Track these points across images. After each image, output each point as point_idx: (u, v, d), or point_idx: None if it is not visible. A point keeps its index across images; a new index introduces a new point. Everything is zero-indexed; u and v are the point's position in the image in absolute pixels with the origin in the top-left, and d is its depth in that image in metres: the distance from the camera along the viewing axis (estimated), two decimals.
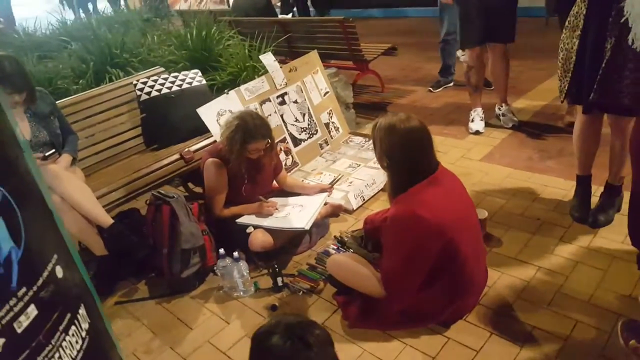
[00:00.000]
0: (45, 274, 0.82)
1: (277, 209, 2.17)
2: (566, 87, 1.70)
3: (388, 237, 1.47)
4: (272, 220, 2.10)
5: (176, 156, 2.40)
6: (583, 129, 1.86)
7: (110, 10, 6.18)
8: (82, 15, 6.84)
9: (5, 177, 0.77)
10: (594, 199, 2.10)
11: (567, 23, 1.64)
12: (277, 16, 4.15)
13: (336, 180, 2.43)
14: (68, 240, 0.95)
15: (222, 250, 1.95)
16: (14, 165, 0.83)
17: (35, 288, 0.79)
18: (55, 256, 0.87)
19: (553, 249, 1.92)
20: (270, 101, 2.89)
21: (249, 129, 2.01)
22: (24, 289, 0.78)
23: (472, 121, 3.11)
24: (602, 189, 2.04)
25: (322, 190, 2.33)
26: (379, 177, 2.66)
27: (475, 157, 2.83)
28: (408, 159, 1.42)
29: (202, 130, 2.58)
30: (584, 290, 1.69)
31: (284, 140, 2.95)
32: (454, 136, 3.10)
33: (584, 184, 2.04)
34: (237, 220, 2.12)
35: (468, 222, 1.48)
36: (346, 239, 2.17)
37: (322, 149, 3.18)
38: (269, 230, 2.06)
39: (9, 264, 0.75)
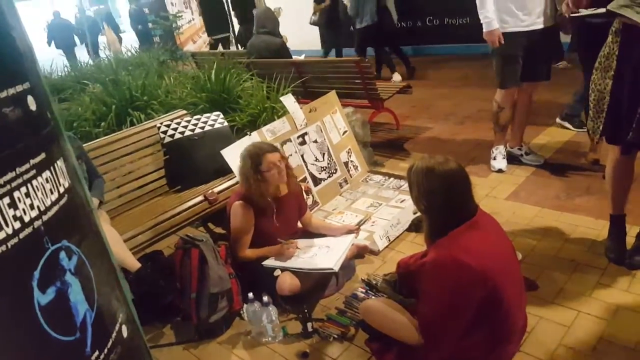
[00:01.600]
0: (114, 334, 0.82)
1: (299, 248, 2.18)
2: (600, 127, 1.72)
3: (427, 284, 1.46)
4: (299, 262, 2.11)
5: (200, 198, 2.44)
6: (618, 168, 1.86)
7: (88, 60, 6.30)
8: (100, 55, 7.09)
9: (80, 237, 0.78)
10: (629, 239, 2.08)
11: (597, 64, 1.68)
12: (291, 57, 4.30)
13: (364, 221, 2.45)
14: (128, 296, 0.97)
15: (251, 295, 1.96)
16: (87, 225, 0.84)
17: (106, 351, 0.78)
18: (121, 315, 0.87)
19: (591, 292, 1.89)
20: (291, 141, 2.96)
21: (254, 150, 2.07)
22: (96, 353, 0.76)
23: (495, 159, 3.12)
24: (637, 228, 2.04)
25: (349, 232, 2.34)
26: (403, 216, 2.68)
27: (500, 196, 2.84)
28: (448, 202, 1.43)
29: (225, 171, 2.63)
30: (628, 337, 1.65)
31: (304, 179, 2.99)
32: (476, 174, 3.13)
33: (618, 223, 2.03)
34: (263, 263, 2.13)
35: (510, 266, 1.47)
36: (374, 282, 2.17)
37: (341, 188, 3.22)
38: (296, 273, 2.07)
39: (84, 328, 0.75)
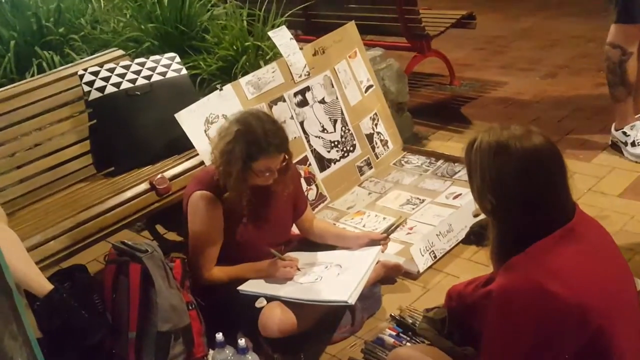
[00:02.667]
0: None
1: (299, 269, 2.21)
2: None
3: (493, 324, 1.45)
4: (294, 289, 2.14)
5: (144, 186, 2.46)
6: None
7: None
8: None
9: None
10: None
11: None
12: None
13: (396, 226, 2.46)
14: (32, 334, 0.98)
15: (220, 336, 1.97)
16: None
17: None
18: None
19: None
20: (284, 101, 2.96)
21: (256, 136, 2.06)
22: None
23: (635, 144, 2.99)
24: None
25: (372, 243, 2.35)
26: (458, 220, 2.67)
27: (611, 191, 2.83)
28: (529, 198, 1.42)
29: (182, 145, 2.64)
30: None
31: (304, 161, 3.00)
32: (575, 156, 3.11)
33: None
34: (240, 288, 2.18)
35: (623, 299, 1.44)
36: (411, 320, 2.18)
37: (362, 175, 3.24)
38: (290, 305, 2.09)
39: None
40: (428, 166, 3.27)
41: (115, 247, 2.08)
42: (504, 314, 1.43)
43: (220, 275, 2.20)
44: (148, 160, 2.67)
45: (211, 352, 2.06)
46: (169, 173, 2.53)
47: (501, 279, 1.46)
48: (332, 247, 2.40)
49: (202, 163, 2.57)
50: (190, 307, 2.07)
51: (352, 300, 2.04)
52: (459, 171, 3.16)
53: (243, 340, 1.95)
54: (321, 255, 2.34)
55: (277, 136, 2.09)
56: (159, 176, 2.48)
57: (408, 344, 2.10)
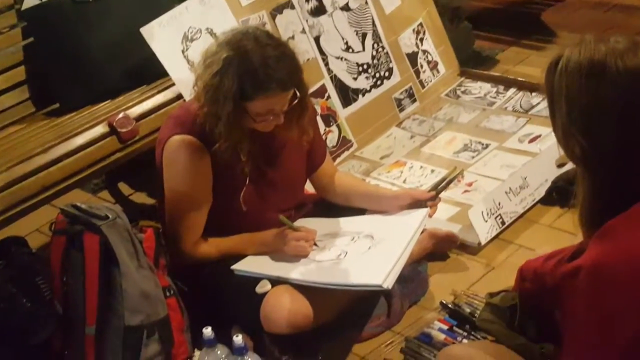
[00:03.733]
0: None
1: (316, 244, 2.24)
2: None
3: (583, 311, 1.46)
4: (309, 269, 2.17)
5: (101, 129, 2.49)
6: None
7: None
8: None
9: None
10: None
11: None
12: None
13: (448, 180, 2.43)
14: None
15: (207, 331, 1.99)
16: None
17: None
18: None
19: None
20: (292, 7, 2.95)
21: (252, 67, 2.03)
22: None
23: None
24: None
25: (416, 203, 2.37)
26: (534, 173, 2.67)
27: None
28: (633, 138, 1.43)
29: (151, 72, 2.66)
30: None
31: (321, 92, 3.00)
32: None
33: None
34: (235, 267, 2.20)
35: None
36: (469, 309, 2.20)
37: (402, 111, 3.25)
38: (303, 290, 2.12)
39: None
40: (494, 97, 3.25)
41: (64, 212, 2.09)
42: (597, 296, 1.43)
43: (209, 250, 2.22)
44: (105, 94, 2.68)
45: (197, 352, 2.09)
46: (135, 111, 2.54)
47: (594, 251, 1.45)
48: (360, 212, 2.42)
49: (179, 97, 2.57)
50: (168, 294, 2.09)
51: (388, 284, 2.04)
52: (538, 104, 3.13)
53: (240, 337, 1.96)
54: (346, 223, 2.36)
55: (282, 66, 2.04)
56: (121, 115, 2.49)
57: (464, 340, 2.12)
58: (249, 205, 2.23)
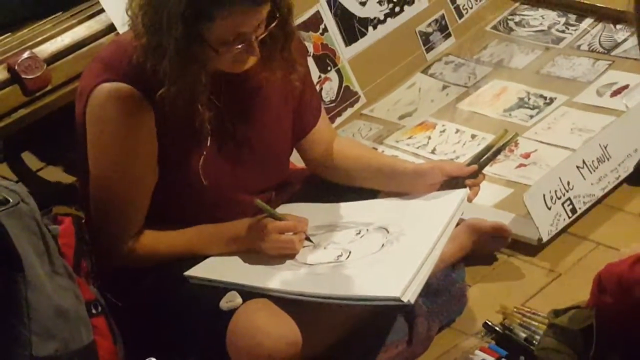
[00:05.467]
0: None
1: (309, 239, 2.27)
2: None
3: None
4: (297, 275, 2.20)
5: None
6: None
7: None
8: None
9: None
10: None
11: None
12: None
13: (495, 149, 2.41)
14: None
15: None
16: None
17: None
18: None
19: None
20: None
21: None
22: None
23: None
24: None
25: (449, 182, 2.40)
26: (625, 139, 2.68)
27: None
28: None
29: None
30: None
31: (315, 23, 3.02)
32: None
33: None
34: (188, 274, 2.21)
35: None
36: (524, 333, 2.21)
37: (430, 50, 3.27)
38: (288, 305, 2.14)
39: None
40: (562, 31, 3.27)
41: None
42: None
43: (154, 248, 2.23)
44: (3, 25, 2.68)
45: None
46: (45, 49, 2.56)
47: None
48: (370, 195, 2.44)
49: (111, 30, 2.58)
50: (94, 311, 2.09)
51: (409, 297, 2.02)
52: (625, 40, 3.15)
53: None
54: (349, 210, 2.38)
55: None
56: (25, 55, 2.50)
57: None
58: (211, 179, 2.21)
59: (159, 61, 2.03)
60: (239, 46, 2.06)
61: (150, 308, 2.21)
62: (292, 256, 2.20)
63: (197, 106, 2.09)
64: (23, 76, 2.45)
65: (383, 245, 2.21)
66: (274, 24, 2.09)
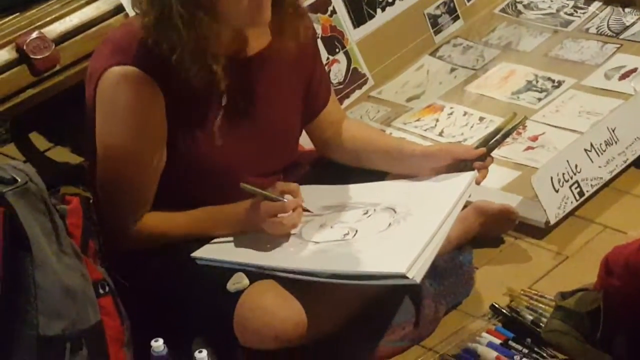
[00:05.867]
0: None
1: (307, 210, 2.26)
2: None
3: None
4: (302, 255, 2.20)
5: (5, 54, 2.50)
6: None
7: None
8: None
9: None
10: None
11: None
12: None
13: (504, 132, 2.40)
14: None
15: (157, 344, 1.98)
16: None
17: None
18: None
19: None
20: None
21: None
22: None
23: None
24: None
25: (456, 164, 2.39)
26: (634, 122, 2.68)
27: None
28: None
29: None
30: None
31: (323, 4, 3.02)
32: None
33: None
34: (195, 255, 2.21)
35: None
36: (532, 315, 2.21)
37: (438, 32, 3.27)
38: (295, 287, 2.14)
39: None
40: (571, 14, 3.26)
41: None
42: None
43: (161, 230, 2.23)
44: (11, 5, 2.65)
45: None
46: (54, 29, 2.56)
47: None
48: (378, 176, 2.43)
49: (120, 11, 2.57)
50: (101, 291, 2.07)
51: (415, 275, 2.01)
52: (634, 23, 3.14)
53: (204, 353, 1.96)
54: (356, 191, 2.37)
55: None
56: (34, 35, 2.49)
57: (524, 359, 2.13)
58: (220, 162, 2.22)
59: (168, 27, 2.02)
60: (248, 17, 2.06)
61: (157, 289, 2.21)
62: (286, 235, 2.20)
63: (211, 66, 2.07)
64: (31, 56, 2.45)
65: (390, 224, 2.21)
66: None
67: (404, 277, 1.99)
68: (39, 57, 2.45)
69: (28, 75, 2.46)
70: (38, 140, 2.96)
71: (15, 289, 1.98)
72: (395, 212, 2.24)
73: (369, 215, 2.25)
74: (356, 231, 2.20)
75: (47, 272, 1.97)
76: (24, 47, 2.44)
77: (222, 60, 2.09)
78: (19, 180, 1.99)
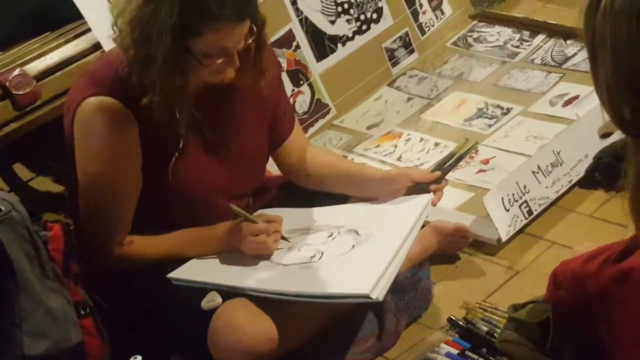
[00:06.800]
0: None
1: (285, 238, 2.27)
2: None
3: (636, 328, 1.51)
4: (273, 275, 2.19)
5: None
6: None
7: None
8: None
9: None
10: None
11: None
12: None
13: (457, 156, 2.42)
14: None
15: None
16: None
17: None
18: None
19: None
20: None
21: None
22: None
23: None
24: None
25: (414, 188, 2.39)
26: (577, 145, 2.69)
27: None
28: None
29: (57, 14, 2.65)
30: None
31: (288, 40, 3.02)
32: None
33: None
34: (171, 276, 2.20)
35: None
36: (486, 327, 2.21)
37: (395, 65, 3.27)
38: (266, 305, 2.13)
39: None
40: (517, 46, 3.27)
41: None
42: None
43: (140, 252, 2.22)
44: None
45: None
46: (35, 67, 2.54)
47: None
48: (341, 200, 2.43)
49: (97, 48, 2.56)
50: (82, 312, 2.07)
51: (378, 294, 2.02)
52: (575, 54, 3.16)
53: None
54: (321, 214, 2.38)
55: None
56: (16, 72, 2.48)
57: None
58: (190, 188, 2.22)
59: (146, 72, 2.02)
60: (221, 61, 2.07)
61: (136, 309, 2.20)
62: (268, 256, 2.20)
63: (178, 115, 2.09)
64: (14, 92, 2.43)
65: (353, 246, 2.22)
66: (252, 37, 2.10)
67: (367, 297, 2.00)
68: (21, 92, 2.44)
69: (11, 110, 2.45)
70: (21, 171, 2.93)
71: (0, 311, 1.96)
72: (358, 234, 2.25)
73: (334, 238, 2.26)
74: (322, 253, 2.21)
75: (31, 295, 1.96)
76: (7, 84, 2.42)
77: (187, 107, 2.11)
78: (3, 209, 1.97)
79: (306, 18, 3.04)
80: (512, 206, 2.56)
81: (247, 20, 2.06)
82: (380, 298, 2.04)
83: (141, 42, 2.01)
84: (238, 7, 2.01)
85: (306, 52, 3.04)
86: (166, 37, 1.99)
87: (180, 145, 2.18)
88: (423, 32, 3.31)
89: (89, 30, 2.59)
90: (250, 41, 2.10)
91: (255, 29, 2.10)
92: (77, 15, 2.58)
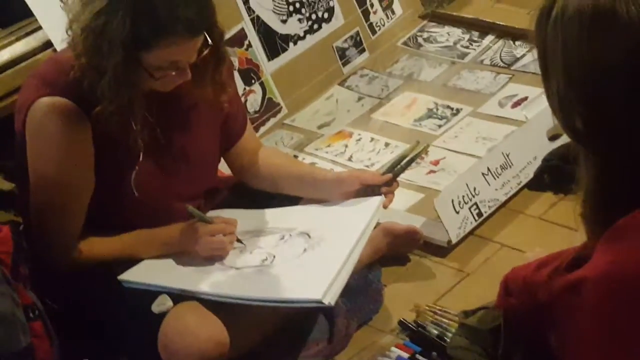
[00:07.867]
0: None
1: (240, 240, 2.27)
2: None
3: (588, 336, 1.49)
4: (225, 279, 2.19)
5: None
6: None
7: None
8: None
9: None
10: None
11: None
12: None
13: (408, 158, 2.41)
14: None
15: None
16: None
17: None
18: None
19: None
20: None
21: (151, 3, 2.00)
22: None
23: None
24: None
25: (365, 189, 2.40)
26: (526, 148, 2.70)
27: None
28: None
29: (8, 13, 2.63)
30: None
31: (239, 40, 3.01)
32: None
33: None
34: (122, 278, 2.18)
35: None
36: (436, 330, 2.22)
37: (346, 64, 3.27)
38: (217, 308, 2.12)
39: None
40: (467, 47, 3.28)
41: None
42: (611, 317, 1.45)
43: (92, 254, 2.20)
44: None
45: None
46: None
47: (603, 258, 1.47)
48: (292, 201, 2.44)
49: (48, 46, 2.55)
50: (31, 315, 2.04)
51: (329, 299, 2.04)
52: (524, 55, 3.17)
53: None
54: (273, 216, 2.38)
55: (190, 2, 2.02)
56: None
57: None
58: (143, 190, 2.20)
59: (97, 81, 2.02)
60: (174, 73, 2.06)
61: (85, 311, 2.19)
62: (223, 257, 2.20)
63: (131, 123, 2.08)
64: None
65: (305, 249, 2.22)
66: (206, 52, 2.09)
67: (320, 302, 2.01)
68: None
69: None
70: None
71: None
72: (309, 237, 2.25)
73: (285, 241, 2.26)
74: (274, 257, 2.21)
75: None
76: None
77: (141, 114, 2.11)
78: None
79: (258, 17, 3.04)
80: (462, 208, 2.57)
81: (201, 35, 2.06)
82: (333, 303, 2.04)
83: (93, 52, 2.01)
84: (191, 22, 2.01)
85: (258, 51, 3.04)
86: (117, 49, 1.98)
87: (137, 152, 2.17)
88: (374, 32, 3.32)
89: (39, 28, 2.57)
90: (205, 53, 2.09)
91: (211, 42, 2.09)
92: (27, 13, 2.56)
